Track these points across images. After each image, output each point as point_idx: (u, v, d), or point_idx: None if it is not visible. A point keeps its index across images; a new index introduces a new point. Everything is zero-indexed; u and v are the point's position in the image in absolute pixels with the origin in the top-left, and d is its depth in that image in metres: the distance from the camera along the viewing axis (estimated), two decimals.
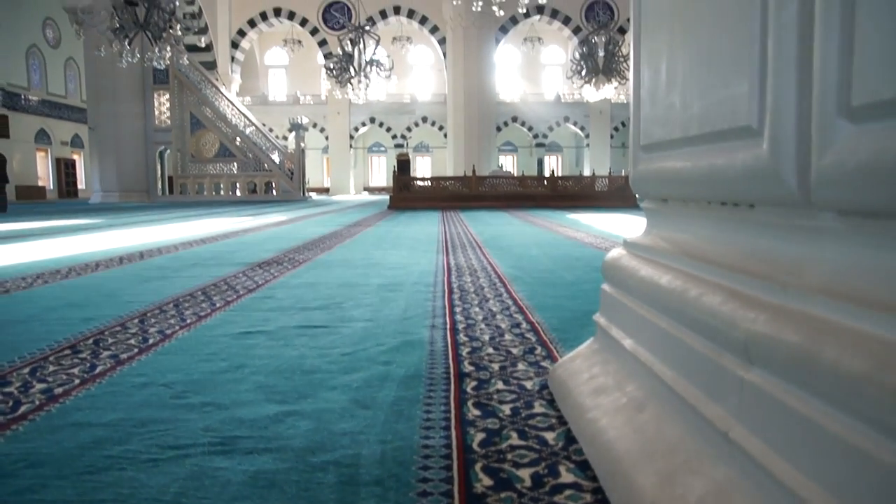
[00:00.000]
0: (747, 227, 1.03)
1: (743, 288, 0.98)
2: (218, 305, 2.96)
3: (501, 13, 10.68)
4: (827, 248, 0.83)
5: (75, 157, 33.08)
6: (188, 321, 2.61)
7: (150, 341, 2.27)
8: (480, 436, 1.38)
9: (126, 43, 15.10)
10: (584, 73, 20.62)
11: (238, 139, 25.30)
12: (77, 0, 22.49)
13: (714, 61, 1.08)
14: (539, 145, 35.12)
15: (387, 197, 19.10)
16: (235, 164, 25.24)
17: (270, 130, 30.05)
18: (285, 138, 31.88)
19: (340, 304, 3.00)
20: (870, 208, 0.73)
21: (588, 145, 34.36)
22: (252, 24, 33.76)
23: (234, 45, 33.65)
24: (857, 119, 0.72)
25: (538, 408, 1.56)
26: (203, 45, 29.84)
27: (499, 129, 32.96)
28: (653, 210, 1.46)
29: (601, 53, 20.30)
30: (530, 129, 34.80)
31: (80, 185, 32.99)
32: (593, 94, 21.18)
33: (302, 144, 25.57)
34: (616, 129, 33.35)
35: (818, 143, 0.79)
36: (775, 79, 0.88)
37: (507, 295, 3.19)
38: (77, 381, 1.79)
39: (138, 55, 15.65)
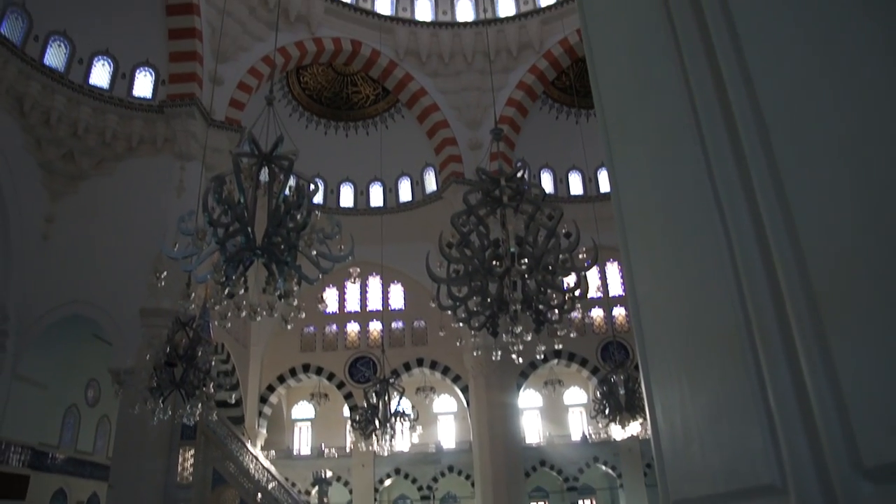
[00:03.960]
0: None
1: None
2: None
3: (520, 360, 11.15)
4: None
5: None
6: None
7: None
8: None
9: (160, 401, 15.64)
10: (607, 411, 20.54)
11: (259, 494, 24.56)
12: (121, 362, 24.00)
13: (724, 415, 1.11)
14: (571, 489, 33.44)
15: None
16: None
17: (293, 485, 29.28)
18: (308, 493, 30.83)
19: None
20: None
21: (622, 486, 32.68)
22: (281, 379, 35.19)
23: (263, 400, 34.64)
24: (874, 480, 0.72)
25: None
26: (233, 401, 30.74)
27: (527, 474, 31.83)
28: None
29: (622, 391, 20.44)
30: (559, 472, 33.53)
31: None
32: (620, 432, 20.84)
33: (325, 500, 24.66)
34: (648, 465, 31.95)
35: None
36: (785, 435, 0.89)
37: None
38: None
39: (170, 412, 16.08)
